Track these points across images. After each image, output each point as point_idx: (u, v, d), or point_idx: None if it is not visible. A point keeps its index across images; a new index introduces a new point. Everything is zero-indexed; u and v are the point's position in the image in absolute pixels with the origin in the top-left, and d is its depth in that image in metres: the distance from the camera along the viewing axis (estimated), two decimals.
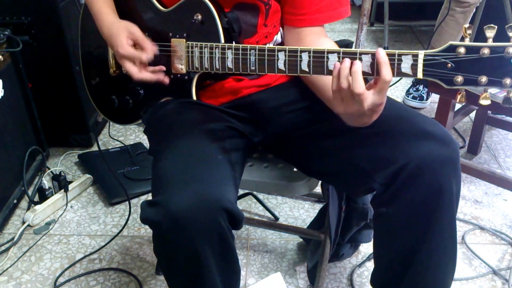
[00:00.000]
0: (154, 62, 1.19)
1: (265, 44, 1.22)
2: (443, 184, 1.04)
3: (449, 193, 1.05)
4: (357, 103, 0.96)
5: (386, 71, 0.94)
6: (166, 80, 1.19)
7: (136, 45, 1.18)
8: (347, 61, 0.97)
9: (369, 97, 0.95)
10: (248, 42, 1.21)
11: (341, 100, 0.99)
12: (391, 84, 2.86)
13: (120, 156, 2.21)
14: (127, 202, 1.91)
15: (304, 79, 1.22)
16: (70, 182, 2.02)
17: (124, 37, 1.17)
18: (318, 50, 1.02)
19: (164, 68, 1.19)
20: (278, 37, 1.26)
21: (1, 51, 1.85)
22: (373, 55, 0.96)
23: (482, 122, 2.17)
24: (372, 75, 0.98)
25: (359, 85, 0.95)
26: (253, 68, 1.10)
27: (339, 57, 1.00)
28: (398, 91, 2.86)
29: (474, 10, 2.37)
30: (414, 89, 2.69)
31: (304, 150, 1.23)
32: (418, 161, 1.03)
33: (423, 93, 2.66)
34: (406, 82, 2.88)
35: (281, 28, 1.26)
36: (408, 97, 2.69)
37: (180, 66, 1.18)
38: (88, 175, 2.09)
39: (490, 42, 0.90)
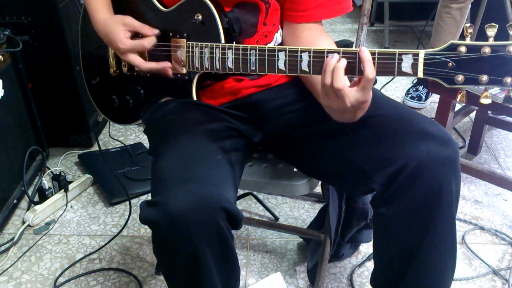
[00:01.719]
0: (154, 61, 1.19)
1: (266, 44, 1.22)
2: (442, 184, 1.04)
3: (449, 193, 1.05)
4: (340, 99, 0.98)
5: (369, 69, 0.95)
6: (170, 71, 1.19)
7: (134, 36, 1.18)
8: (334, 58, 0.98)
9: (352, 94, 0.97)
10: (248, 42, 1.21)
11: (326, 95, 1.01)
12: (388, 81, 2.86)
13: (120, 156, 2.21)
14: (127, 202, 1.91)
15: (300, 76, 1.22)
16: (70, 182, 2.02)
17: (121, 31, 1.17)
18: (318, 50, 1.02)
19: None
20: (278, 36, 1.26)
21: (1, 51, 1.85)
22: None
23: (482, 122, 2.17)
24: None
25: (339, 81, 0.97)
26: (253, 68, 1.10)
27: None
28: (398, 91, 2.86)
29: (470, 6, 2.36)
30: (414, 89, 2.69)
31: (304, 150, 1.23)
32: (417, 161, 1.03)
33: (422, 93, 2.66)
34: (406, 83, 2.88)
35: (279, 27, 1.26)
36: (407, 97, 2.69)
37: (181, 66, 1.18)
38: (88, 175, 2.09)
39: (491, 41, 0.90)
